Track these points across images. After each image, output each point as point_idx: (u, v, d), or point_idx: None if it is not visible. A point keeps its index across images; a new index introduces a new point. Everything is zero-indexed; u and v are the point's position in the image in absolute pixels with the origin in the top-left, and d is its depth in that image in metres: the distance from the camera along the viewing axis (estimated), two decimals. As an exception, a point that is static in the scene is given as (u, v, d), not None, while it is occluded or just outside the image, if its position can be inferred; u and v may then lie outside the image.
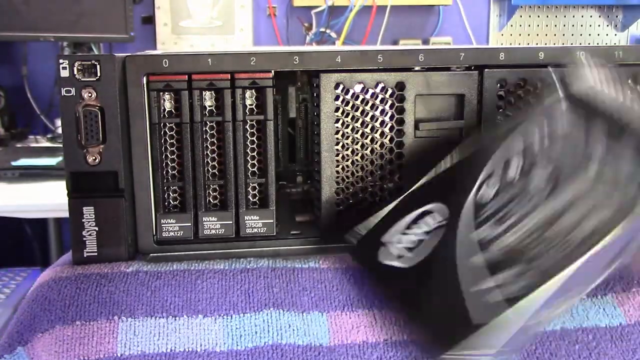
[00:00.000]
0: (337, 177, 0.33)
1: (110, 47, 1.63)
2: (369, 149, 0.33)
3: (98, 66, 0.30)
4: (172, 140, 0.32)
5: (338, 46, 1.64)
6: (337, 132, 0.33)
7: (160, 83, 0.31)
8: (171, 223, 0.32)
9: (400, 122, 0.33)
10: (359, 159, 0.33)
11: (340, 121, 0.33)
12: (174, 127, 0.32)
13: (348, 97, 0.32)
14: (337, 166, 0.33)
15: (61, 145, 0.31)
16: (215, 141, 0.32)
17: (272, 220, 0.33)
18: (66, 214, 0.31)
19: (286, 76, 0.37)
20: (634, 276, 0.31)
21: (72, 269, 0.31)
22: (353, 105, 0.33)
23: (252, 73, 0.31)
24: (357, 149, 0.33)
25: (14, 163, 1.32)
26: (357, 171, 0.33)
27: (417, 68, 0.32)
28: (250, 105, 0.32)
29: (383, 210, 0.31)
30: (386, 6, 1.71)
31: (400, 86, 0.32)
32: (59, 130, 1.45)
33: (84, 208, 0.31)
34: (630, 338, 0.28)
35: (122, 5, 1.50)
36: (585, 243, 0.23)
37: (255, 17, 1.77)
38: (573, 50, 0.32)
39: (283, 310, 0.29)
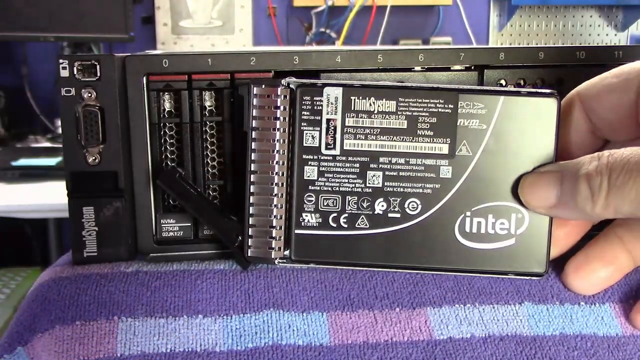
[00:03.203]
0: None
1: (110, 47, 1.63)
2: None
3: (98, 66, 0.30)
4: (172, 140, 0.32)
5: (338, 46, 1.64)
6: None
7: (160, 83, 0.31)
8: (171, 223, 0.32)
9: None
10: None
11: None
12: (174, 127, 0.32)
13: None
14: None
15: (61, 146, 0.31)
16: (216, 141, 0.32)
17: None
18: (66, 214, 0.31)
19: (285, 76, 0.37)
20: (633, 285, 0.31)
21: (72, 269, 0.31)
22: None
23: (252, 73, 0.31)
24: None
25: (14, 163, 1.32)
26: None
27: (417, 68, 0.32)
28: None
29: None
30: (386, 6, 1.71)
31: None
32: (59, 131, 1.45)
33: (84, 208, 0.31)
34: (625, 349, 0.28)
35: (122, 5, 1.51)
36: None
37: (255, 17, 1.77)
38: (573, 50, 0.32)
39: (283, 311, 0.29)
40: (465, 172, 0.29)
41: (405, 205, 0.30)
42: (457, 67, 0.32)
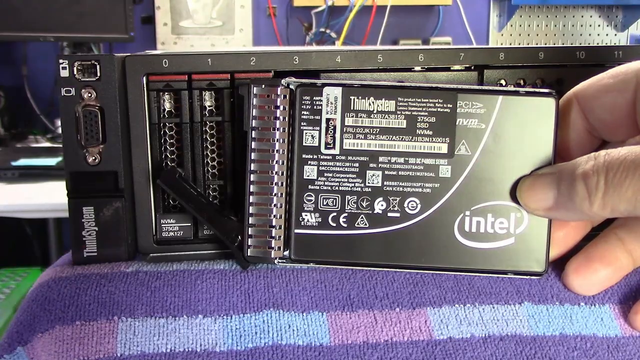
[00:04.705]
0: None
1: (110, 47, 1.63)
2: None
3: (98, 66, 0.30)
4: (172, 140, 0.32)
5: (338, 46, 1.64)
6: None
7: (160, 83, 0.31)
8: (171, 223, 0.32)
9: None
10: None
11: None
12: (174, 127, 0.32)
13: None
14: None
15: (61, 145, 0.31)
16: (216, 141, 0.32)
17: None
18: (66, 214, 0.31)
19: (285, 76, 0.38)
20: (633, 286, 0.31)
21: (72, 269, 0.31)
22: None
23: (252, 73, 0.31)
24: None
25: (14, 163, 1.32)
26: None
27: (417, 68, 0.32)
28: None
29: None
30: (386, 6, 1.71)
31: None
32: (59, 130, 1.45)
33: (84, 208, 0.31)
34: (625, 349, 0.28)
35: (122, 5, 1.51)
36: None
37: (255, 17, 1.77)
38: (573, 50, 0.32)
39: (283, 311, 0.29)
40: (465, 171, 0.29)
41: (405, 205, 0.30)
42: (457, 67, 0.32)
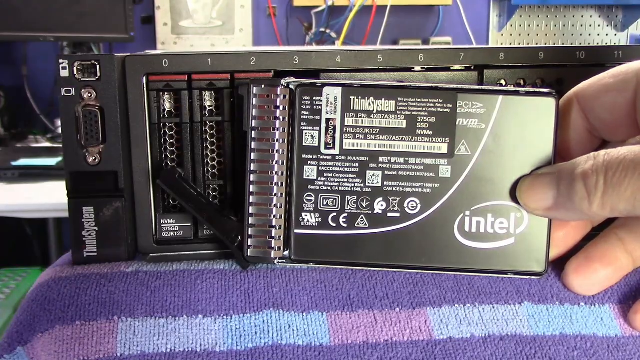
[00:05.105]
0: None
1: (110, 47, 1.63)
2: None
3: (98, 66, 0.30)
4: (172, 140, 0.32)
5: (338, 46, 1.64)
6: None
7: (160, 83, 0.31)
8: (171, 223, 0.32)
9: None
10: None
11: None
12: (174, 127, 0.32)
13: None
14: None
15: (61, 145, 0.31)
16: (216, 141, 0.32)
17: None
18: (66, 214, 0.31)
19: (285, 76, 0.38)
20: (633, 286, 0.31)
21: (72, 269, 0.31)
22: None
23: (252, 73, 0.31)
24: None
25: (14, 163, 1.32)
26: None
27: (417, 68, 0.32)
28: None
29: None
30: (386, 6, 1.71)
31: None
32: (59, 130, 1.45)
33: (84, 208, 0.31)
34: (625, 349, 0.28)
35: (122, 5, 1.51)
36: None
37: (255, 17, 1.77)
38: (573, 50, 0.32)
39: (283, 311, 0.29)
40: (465, 171, 0.29)
41: (405, 205, 0.30)
42: (457, 67, 0.32)
